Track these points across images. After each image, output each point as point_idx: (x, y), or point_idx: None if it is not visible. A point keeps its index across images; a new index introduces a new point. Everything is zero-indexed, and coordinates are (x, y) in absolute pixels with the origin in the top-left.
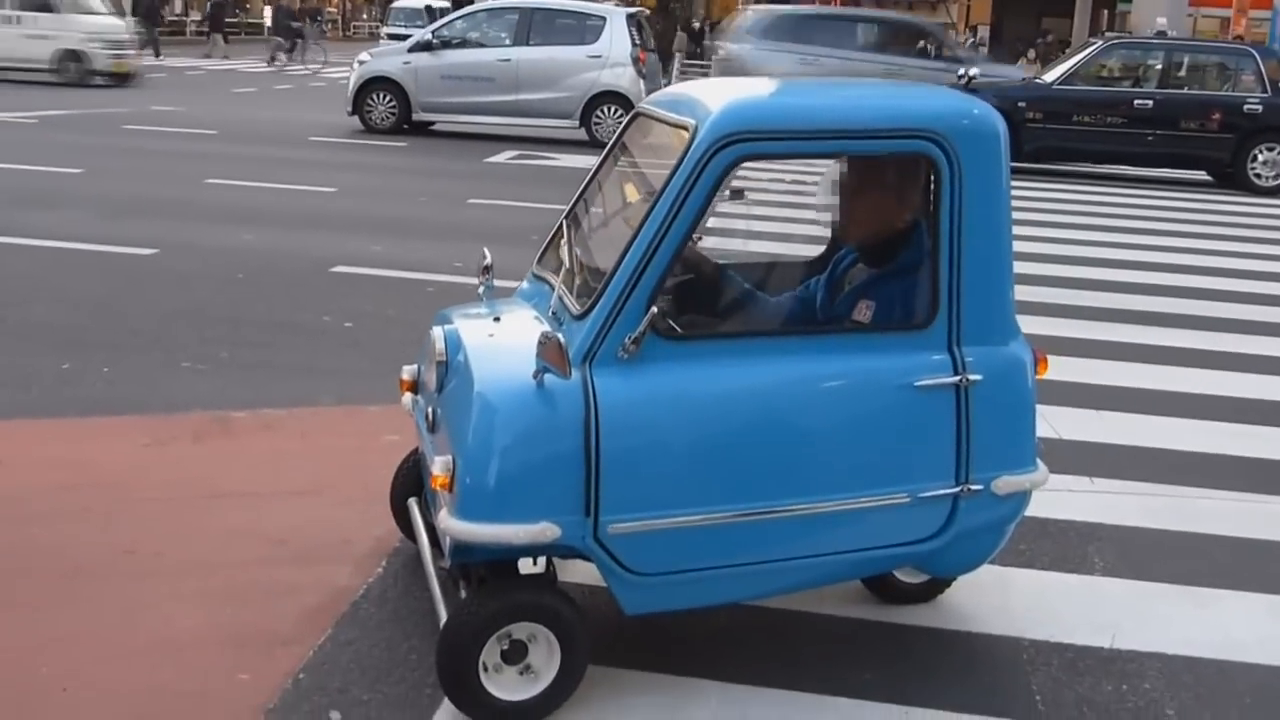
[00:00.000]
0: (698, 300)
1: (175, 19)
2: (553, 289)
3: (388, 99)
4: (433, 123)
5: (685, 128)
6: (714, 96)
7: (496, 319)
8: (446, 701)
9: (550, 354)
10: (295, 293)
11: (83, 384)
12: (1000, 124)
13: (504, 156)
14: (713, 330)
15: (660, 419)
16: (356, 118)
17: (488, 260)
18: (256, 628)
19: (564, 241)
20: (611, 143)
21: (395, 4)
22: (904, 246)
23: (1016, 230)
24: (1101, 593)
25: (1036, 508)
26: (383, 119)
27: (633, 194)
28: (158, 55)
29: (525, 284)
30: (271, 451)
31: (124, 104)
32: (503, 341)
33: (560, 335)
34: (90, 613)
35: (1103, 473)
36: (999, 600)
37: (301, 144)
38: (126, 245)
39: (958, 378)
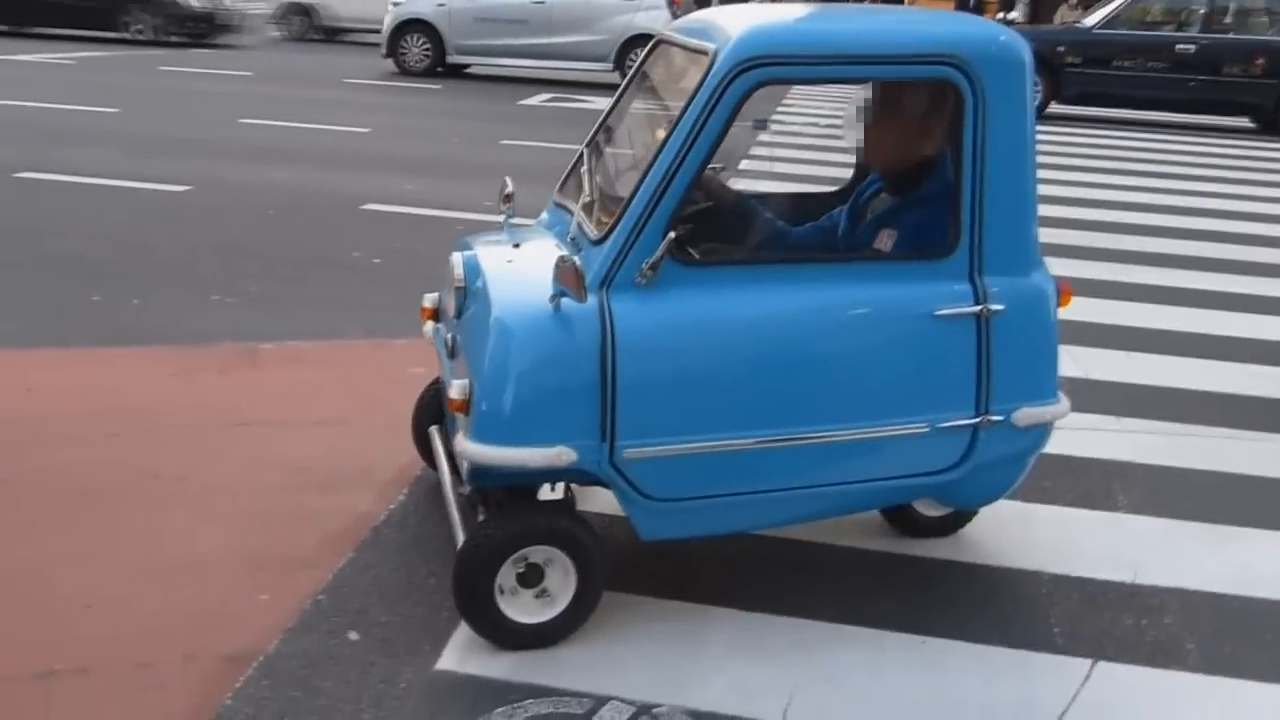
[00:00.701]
0: (719, 229)
1: None
2: (573, 216)
3: (422, 41)
4: (467, 65)
5: (705, 52)
6: (734, 22)
7: (516, 246)
8: (464, 624)
9: (566, 278)
10: (326, 229)
11: (112, 315)
12: (1026, 52)
13: (538, 99)
14: (731, 257)
15: (677, 344)
16: (391, 60)
17: (509, 189)
18: (277, 551)
19: (584, 169)
20: (633, 70)
21: None
22: (927, 175)
23: (1054, 175)
24: (1124, 529)
25: (1062, 445)
26: (417, 61)
27: (653, 121)
28: None
29: (546, 213)
30: (297, 382)
31: (159, 45)
32: (521, 267)
33: (577, 260)
34: (114, 533)
35: (1130, 412)
36: (1020, 535)
37: (336, 85)
38: (159, 182)
39: (979, 307)
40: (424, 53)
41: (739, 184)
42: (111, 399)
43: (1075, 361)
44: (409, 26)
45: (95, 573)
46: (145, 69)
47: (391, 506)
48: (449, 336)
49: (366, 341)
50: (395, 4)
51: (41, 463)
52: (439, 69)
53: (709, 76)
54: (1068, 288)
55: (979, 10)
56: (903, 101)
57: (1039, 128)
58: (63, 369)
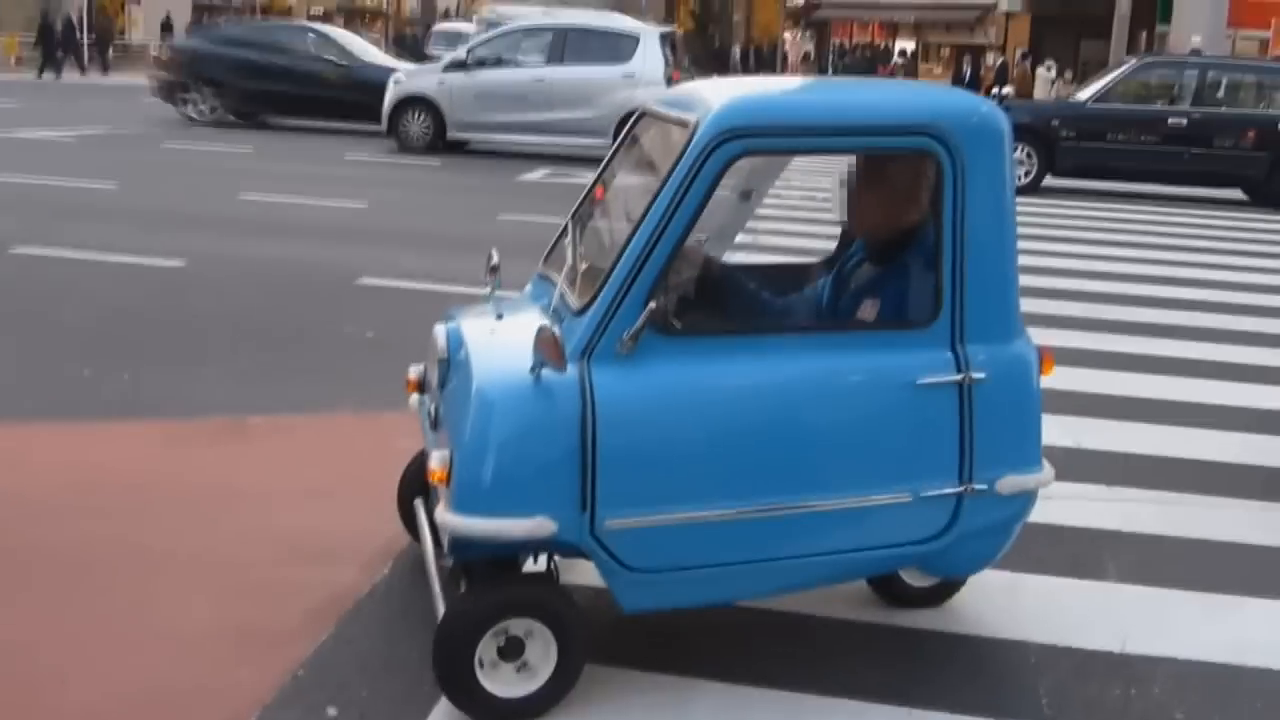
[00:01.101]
0: (703, 299)
1: None
2: (556, 287)
3: (422, 118)
4: (468, 142)
5: (685, 124)
6: (716, 93)
7: (499, 317)
8: (444, 699)
9: (545, 348)
10: (321, 303)
11: (104, 389)
12: (1004, 123)
13: (537, 174)
14: (712, 327)
15: (658, 415)
16: (392, 138)
17: (495, 260)
18: (261, 625)
19: (568, 240)
20: (618, 142)
21: (436, 28)
22: (910, 244)
23: (1049, 246)
24: (1114, 598)
25: (1053, 515)
26: (418, 138)
27: (636, 192)
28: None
29: (530, 285)
30: (286, 455)
31: (164, 123)
32: (503, 338)
33: (556, 329)
34: (97, 608)
35: (1122, 481)
36: (1009, 605)
37: (337, 162)
38: (157, 256)
39: (960, 376)
40: (424, 129)
41: (735, 256)
42: (98, 473)
43: (1067, 431)
44: (409, 104)
45: (75, 648)
46: (147, 145)
47: (376, 580)
48: (432, 408)
49: (356, 415)
50: (396, 82)
51: (25, 538)
52: (440, 145)
53: (689, 147)
54: (1050, 355)
55: (974, 86)
56: (885, 172)
57: (1035, 200)
58: (50, 443)
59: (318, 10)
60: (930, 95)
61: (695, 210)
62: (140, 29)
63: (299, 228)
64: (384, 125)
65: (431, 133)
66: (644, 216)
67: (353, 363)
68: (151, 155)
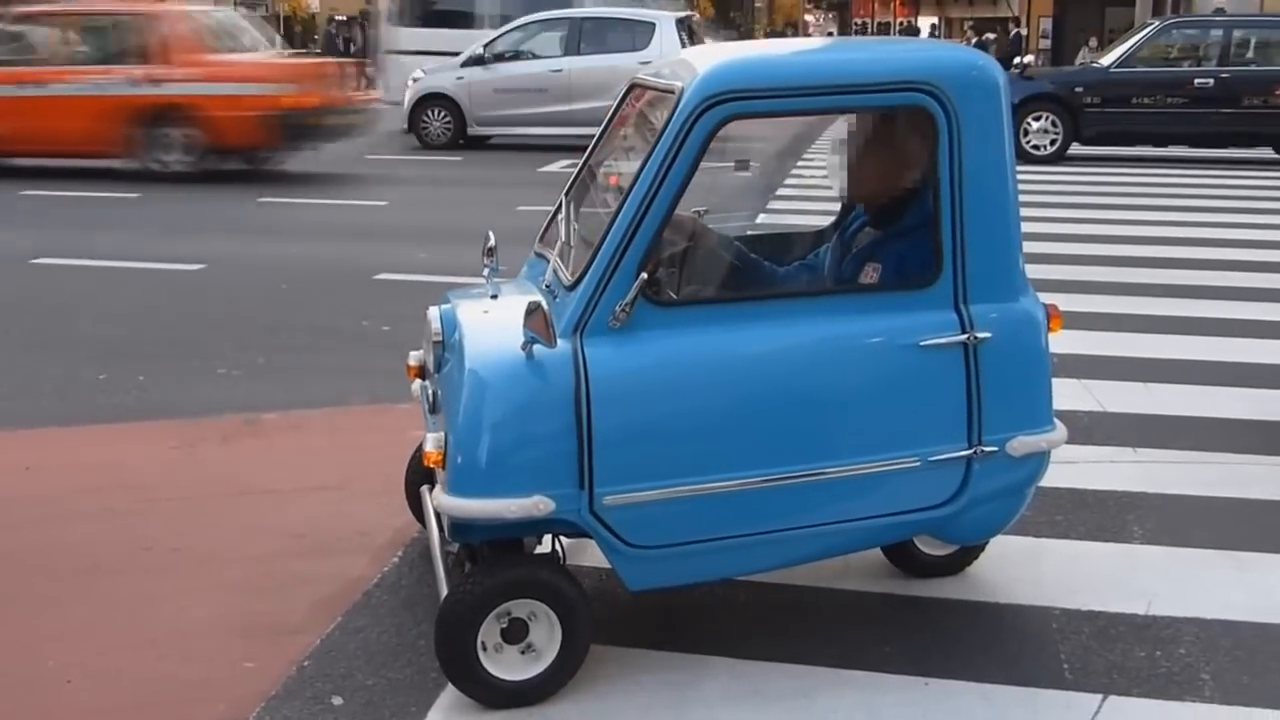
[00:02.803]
0: (702, 271)
1: None
2: (549, 264)
3: (443, 114)
4: (489, 136)
5: (672, 91)
6: (702, 59)
7: (494, 297)
8: (450, 686)
9: (536, 323)
10: (337, 300)
11: (118, 392)
12: (1000, 75)
13: (557, 165)
14: (708, 296)
15: (654, 387)
16: (413, 135)
17: (491, 242)
18: (267, 618)
19: (561, 217)
20: (609, 115)
21: None
22: (910, 206)
23: (1076, 213)
24: (1138, 560)
25: (1076, 479)
26: (438, 135)
27: (627, 164)
28: None
29: (527, 265)
30: (298, 450)
31: None
32: (496, 318)
33: (545, 304)
34: (103, 606)
35: (1147, 443)
36: (1029, 571)
37: (357, 161)
38: (175, 262)
39: (964, 336)
40: (445, 126)
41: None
42: (110, 474)
43: (1091, 394)
44: (429, 100)
45: (81, 646)
46: None
47: (385, 569)
48: (431, 392)
49: (369, 407)
50: (414, 79)
51: (35, 540)
52: (460, 141)
53: (675, 115)
54: (1057, 312)
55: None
56: (880, 132)
57: (1061, 169)
58: (63, 447)
59: (340, 16)
60: (923, 50)
61: (684, 178)
62: None
63: (318, 228)
64: (404, 123)
65: (452, 129)
66: (632, 187)
67: (369, 357)
68: None
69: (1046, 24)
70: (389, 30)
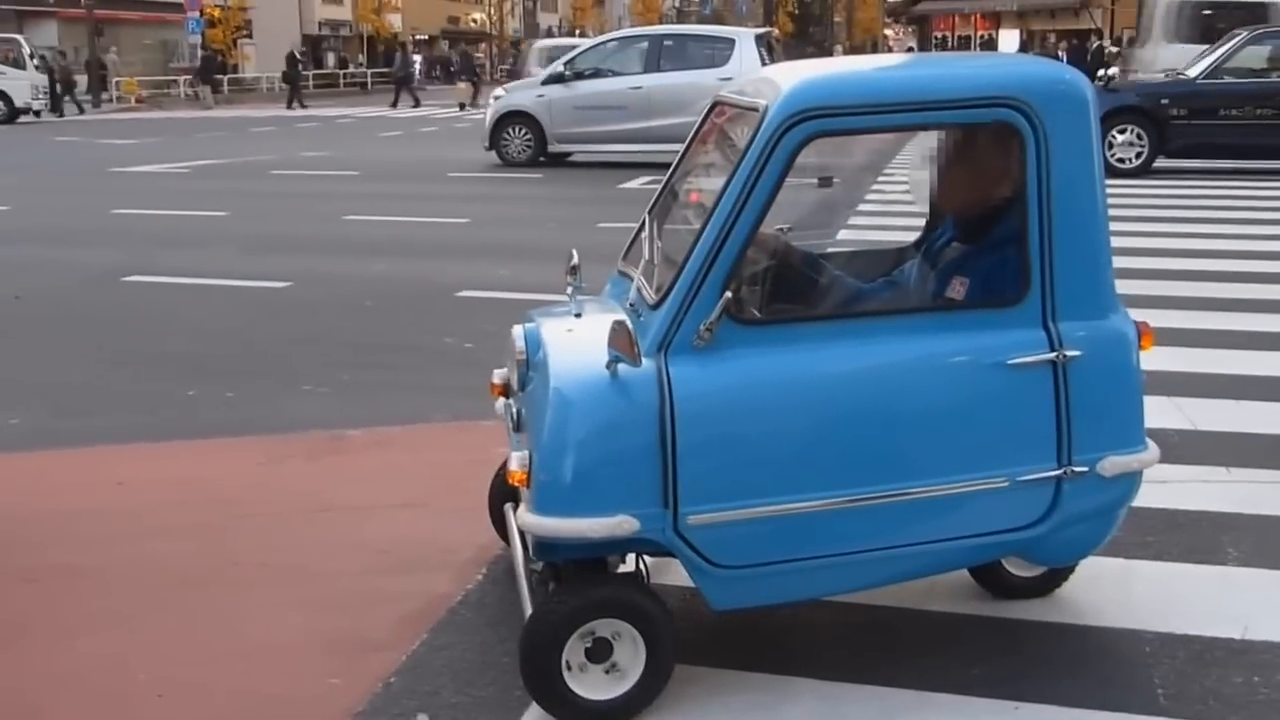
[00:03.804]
0: (785, 288)
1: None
2: (633, 283)
3: (524, 132)
4: (569, 154)
5: (755, 109)
6: (786, 77)
7: (578, 315)
8: (535, 705)
9: (619, 342)
10: (420, 317)
11: (206, 409)
12: (1089, 90)
13: (638, 182)
14: (792, 314)
15: (739, 406)
16: (494, 153)
17: (575, 260)
18: (352, 634)
19: (645, 235)
20: (692, 133)
21: (537, 44)
22: (998, 220)
23: (1163, 227)
24: (1234, 583)
25: (1168, 499)
26: (519, 152)
27: (710, 182)
28: (303, 107)
29: (609, 283)
30: (383, 467)
31: (273, 151)
32: (581, 336)
33: (629, 323)
34: (192, 621)
35: (1241, 463)
36: (1121, 593)
37: (439, 180)
38: (262, 280)
39: (1054, 354)
40: (525, 143)
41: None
42: (199, 490)
43: (1182, 413)
44: (510, 118)
45: (170, 660)
46: (258, 174)
47: (469, 586)
48: (515, 411)
49: (452, 424)
50: (496, 97)
51: (126, 554)
52: (541, 159)
53: (759, 133)
54: (1149, 330)
55: (1098, 66)
56: (968, 147)
57: (1146, 182)
58: (153, 463)
59: (422, 35)
60: (1010, 65)
61: (768, 196)
62: (253, 63)
63: (401, 245)
64: (485, 142)
65: (533, 147)
66: (716, 205)
67: (451, 374)
68: (260, 184)
69: (1129, 36)
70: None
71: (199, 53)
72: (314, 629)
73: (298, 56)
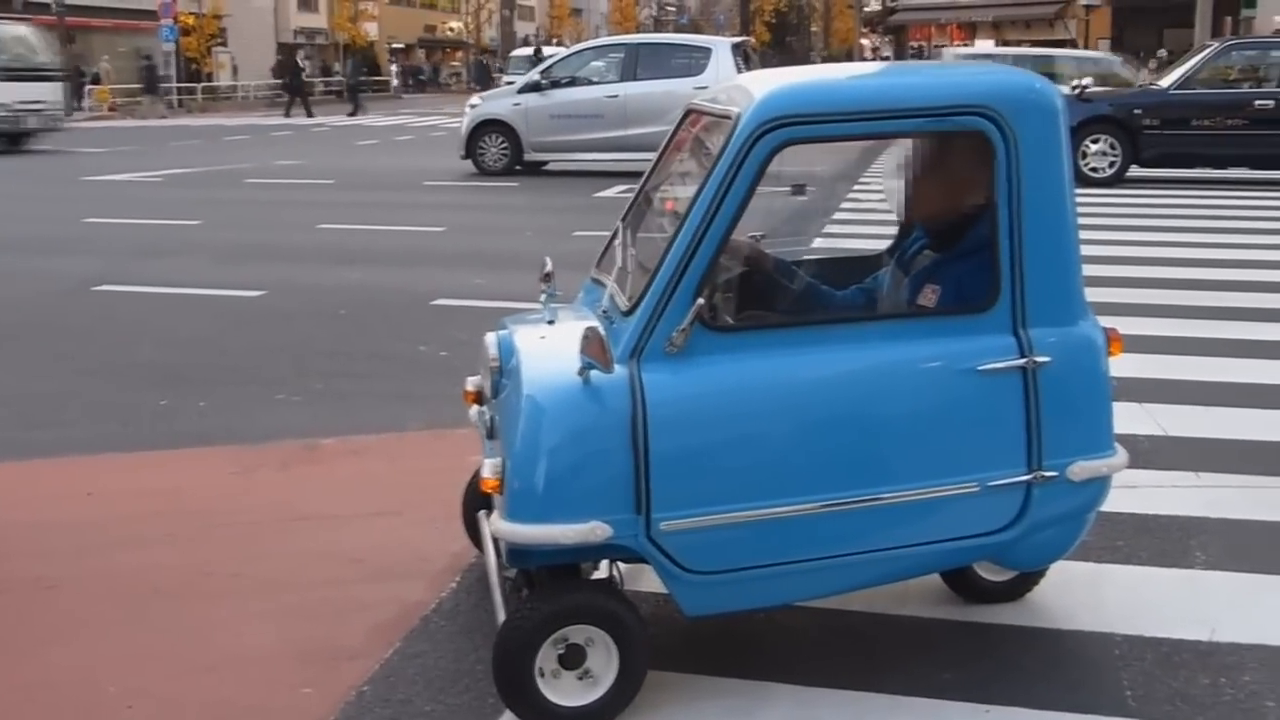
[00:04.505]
0: (758, 295)
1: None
2: (606, 290)
3: (500, 141)
4: (545, 162)
5: (728, 116)
6: (760, 84)
7: (550, 323)
8: (508, 712)
9: (591, 348)
10: (395, 325)
11: (178, 418)
12: (1058, 99)
13: (614, 191)
14: (765, 321)
15: (711, 412)
16: (470, 161)
17: (548, 268)
18: (325, 643)
19: (618, 243)
20: (665, 140)
21: (514, 53)
22: (969, 229)
23: (1134, 236)
24: (1202, 586)
25: (1138, 504)
26: (495, 161)
27: (683, 189)
28: (309, 114)
29: (583, 290)
30: (357, 476)
31: (247, 160)
32: (553, 344)
33: (602, 329)
34: (163, 631)
35: (1210, 467)
36: (1091, 597)
37: (415, 188)
38: (235, 289)
39: (1024, 360)
40: (502, 152)
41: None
42: (170, 500)
43: (1152, 418)
44: (486, 127)
45: (140, 671)
46: (231, 182)
47: (443, 595)
48: (489, 418)
49: (427, 433)
50: (472, 106)
51: (96, 565)
52: (517, 167)
53: (732, 140)
54: (1117, 336)
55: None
56: (938, 155)
57: (1120, 191)
58: (124, 473)
59: (399, 44)
60: (980, 74)
61: (740, 203)
62: (226, 71)
63: (376, 254)
64: (461, 150)
65: (509, 155)
66: (689, 213)
67: (426, 382)
68: (234, 192)
69: (1104, 46)
70: None
71: (140, 63)
72: (286, 639)
73: (300, 64)
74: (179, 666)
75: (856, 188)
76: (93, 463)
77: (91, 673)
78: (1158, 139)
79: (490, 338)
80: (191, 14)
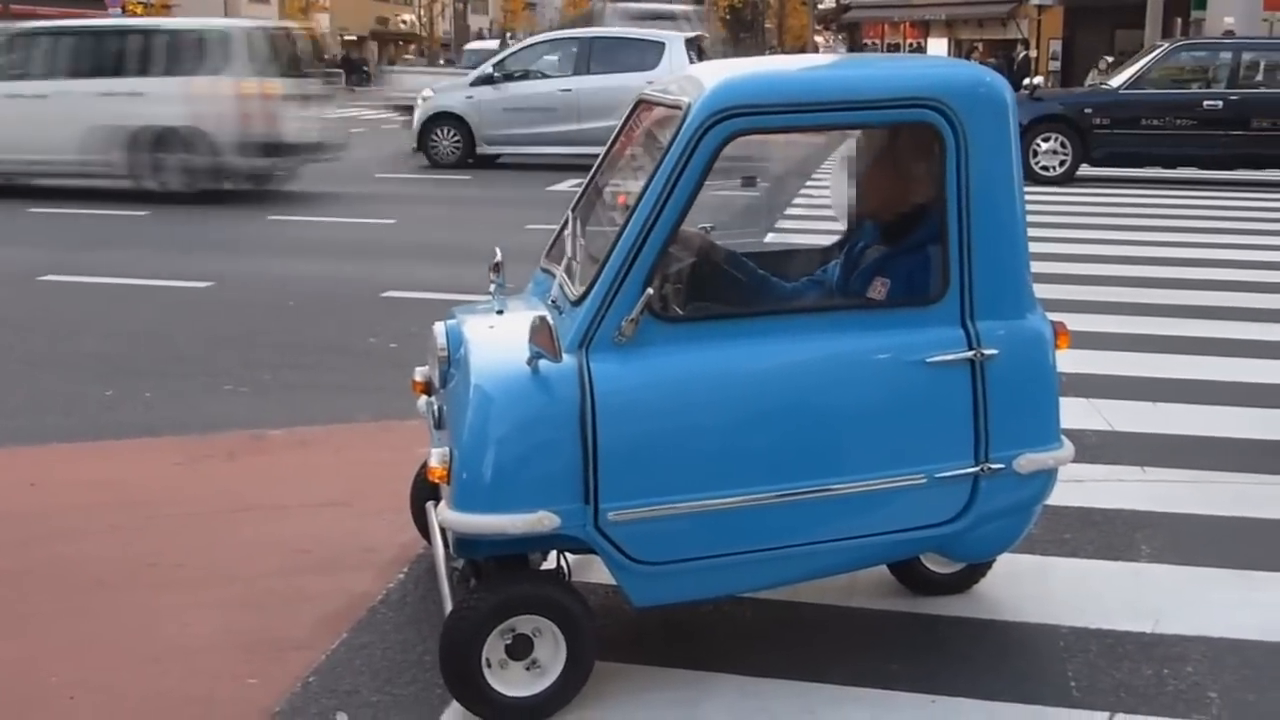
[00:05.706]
0: (708, 285)
1: None
2: (556, 279)
3: (452, 134)
4: (498, 156)
5: (679, 107)
6: (711, 75)
7: (499, 313)
8: (455, 703)
9: (540, 338)
10: (344, 318)
11: (124, 409)
12: (1008, 92)
13: (566, 184)
14: (714, 312)
15: (659, 403)
16: (422, 154)
17: (498, 258)
18: (271, 634)
19: (568, 232)
20: (616, 131)
21: (469, 46)
22: (919, 221)
23: (1084, 234)
24: (1146, 578)
25: (1084, 498)
26: (448, 153)
27: (633, 180)
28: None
29: (532, 281)
30: (304, 466)
31: None
32: (502, 333)
33: (550, 319)
34: (106, 622)
35: (1156, 463)
36: (1037, 589)
37: (366, 180)
38: (183, 280)
39: (971, 353)
40: (454, 145)
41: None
42: (115, 491)
43: (1100, 414)
44: (439, 120)
45: (82, 662)
46: None
47: (390, 585)
48: (436, 408)
49: (375, 424)
50: (424, 98)
51: (38, 557)
52: (470, 160)
53: (682, 131)
54: (1064, 329)
55: (1024, 76)
56: (888, 148)
57: (1070, 190)
58: (68, 464)
59: (351, 36)
60: (931, 67)
61: (690, 193)
62: None
63: (326, 246)
64: (414, 143)
65: (462, 148)
66: (638, 202)
67: (375, 374)
68: None
69: (1056, 46)
70: None
71: None
72: (232, 629)
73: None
74: (122, 657)
75: (810, 183)
76: (36, 453)
77: (33, 663)
78: (1108, 138)
79: (439, 327)
80: (140, 2)
